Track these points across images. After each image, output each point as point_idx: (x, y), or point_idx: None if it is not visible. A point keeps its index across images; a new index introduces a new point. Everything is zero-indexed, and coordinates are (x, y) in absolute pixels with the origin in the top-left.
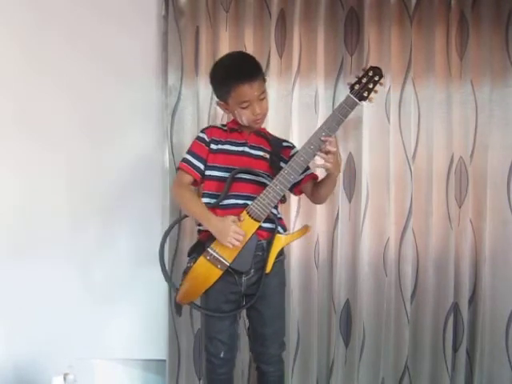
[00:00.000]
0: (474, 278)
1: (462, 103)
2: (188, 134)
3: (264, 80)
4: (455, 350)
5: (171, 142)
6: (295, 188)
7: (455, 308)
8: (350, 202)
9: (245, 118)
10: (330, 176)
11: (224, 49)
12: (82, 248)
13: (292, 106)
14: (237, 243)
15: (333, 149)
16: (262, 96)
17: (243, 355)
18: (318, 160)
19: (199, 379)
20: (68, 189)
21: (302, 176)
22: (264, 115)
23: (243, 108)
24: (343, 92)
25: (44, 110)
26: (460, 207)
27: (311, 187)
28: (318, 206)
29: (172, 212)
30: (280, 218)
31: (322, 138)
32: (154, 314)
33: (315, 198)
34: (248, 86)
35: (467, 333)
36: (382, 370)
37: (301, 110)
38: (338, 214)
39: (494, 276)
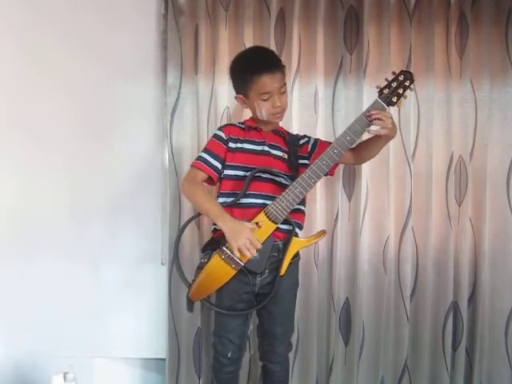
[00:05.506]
0: (474, 277)
1: (461, 102)
2: (188, 133)
3: (284, 74)
4: (455, 348)
5: (171, 140)
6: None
7: (455, 307)
8: (349, 200)
9: (264, 110)
10: (386, 138)
11: (223, 47)
12: (81, 248)
13: (291, 105)
14: (247, 254)
15: (383, 117)
16: (283, 89)
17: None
18: (373, 127)
19: (199, 378)
20: (67, 188)
21: None
22: (284, 109)
23: (264, 100)
24: (343, 91)
25: (42, 109)
26: (459, 206)
27: (350, 155)
28: (318, 205)
29: (172, 211)
30: (302, 212)
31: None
32: (153, 312)
33: (359, 161)
34: (269, 77)
35: (467, 331)
36: (381, 369)
37: (300, 109)
38: (337, 212)
39: (493, 274)
